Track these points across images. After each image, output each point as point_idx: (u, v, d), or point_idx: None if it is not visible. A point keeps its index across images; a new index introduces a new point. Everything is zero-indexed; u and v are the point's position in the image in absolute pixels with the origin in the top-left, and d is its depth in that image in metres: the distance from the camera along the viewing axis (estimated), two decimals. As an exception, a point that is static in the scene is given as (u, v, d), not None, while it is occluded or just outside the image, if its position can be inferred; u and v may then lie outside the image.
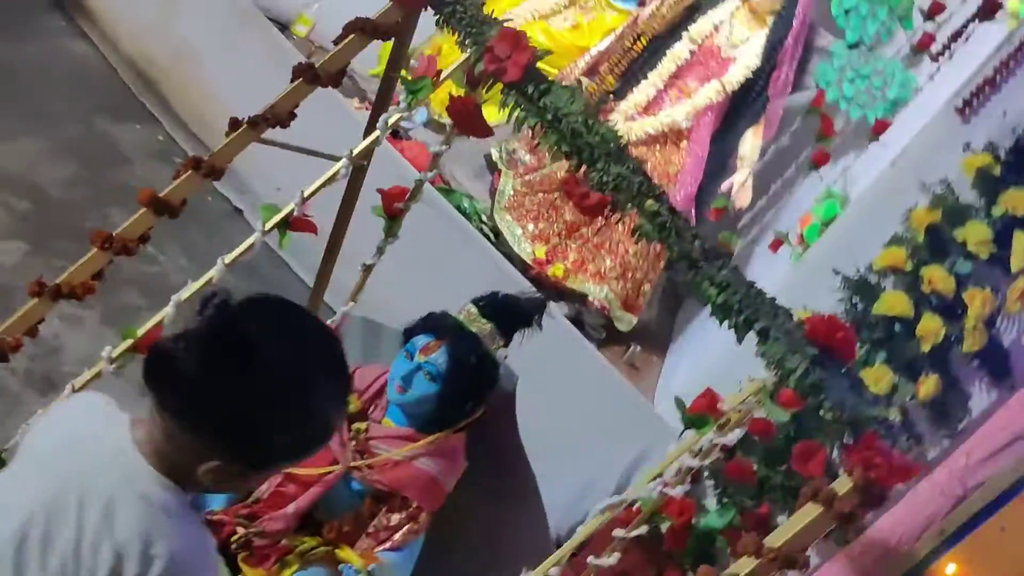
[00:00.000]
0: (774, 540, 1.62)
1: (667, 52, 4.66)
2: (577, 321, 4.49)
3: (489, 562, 2.37)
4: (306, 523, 2.25)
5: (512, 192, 4.70)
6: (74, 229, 2.93)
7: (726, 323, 1.69)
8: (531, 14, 4.91)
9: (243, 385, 1.26)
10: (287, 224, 2.03)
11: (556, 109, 1.81)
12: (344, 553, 2.19)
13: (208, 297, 1.28)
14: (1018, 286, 2.64)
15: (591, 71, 4.80)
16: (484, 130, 1.94)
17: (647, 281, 4.58)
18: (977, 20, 3.39)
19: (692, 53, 4.66)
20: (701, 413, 1.69)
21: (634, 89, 4.68)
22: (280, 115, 1.99)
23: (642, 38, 4.67)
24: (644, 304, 4.62)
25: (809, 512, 1.62)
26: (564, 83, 4.74)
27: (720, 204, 4.52)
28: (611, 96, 4.71)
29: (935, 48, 3.84)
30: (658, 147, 4.68)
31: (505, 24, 1.89)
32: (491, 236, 4.46)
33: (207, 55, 3.37)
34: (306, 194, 2.03)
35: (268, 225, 2.03)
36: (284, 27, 4.95)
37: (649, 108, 4.67)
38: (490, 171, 4.83)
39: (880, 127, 3.76)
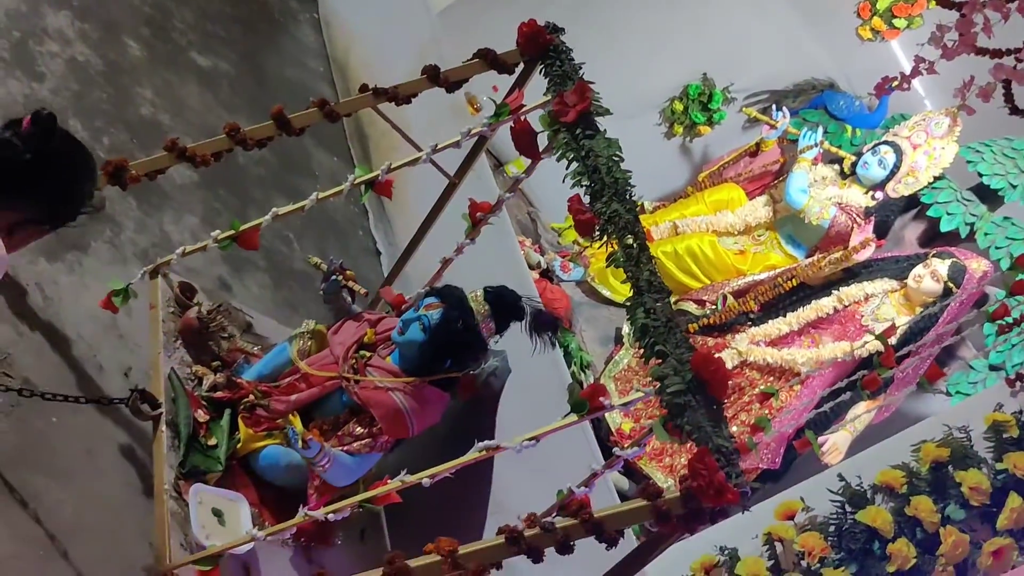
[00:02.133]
0: (599, 512, 1.83)
1: (813, 301, 4.87)
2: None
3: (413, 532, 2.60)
4: (306, 417, 2.72)
5: (626, 366, 4.97)
6: (238, 186, 3.54)
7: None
8: (706, 225, 5.31)
9: (49, 167, 1.91)
10: (371, 185, 2.52)
11: (590, 149, 2.20)
12: (293, 419, 2.56)
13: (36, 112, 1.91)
14: (995, 542, 2.67)
15: (740, 293, 5.10)
16: (535, 153, 2.35)
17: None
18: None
19: (836, 310, 4.82)
20: (584, 400, 1.94)
21: (770, 321, 4.90)
22: (400, 94, 2.51)
23: (794, 280, 4.93)
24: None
25: (635, 503, 1.82)
26: (712, 294, 5.10)
27: (812, 441, 4.61)
28: (748, 319, 4.98)
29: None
30: (771, 379, 4.81)
31: (587, 83, 2.31)
32: (582, 385, 4.73)
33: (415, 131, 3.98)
34: (393, 166, 2.52)
35: (358, 180, 2.53)
36: (500, 163, 5.61)
37: (776, 343, 4.85)
38: (615, 342, 5.14)
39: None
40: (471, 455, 2.14)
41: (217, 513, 2.47)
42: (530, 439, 2.11)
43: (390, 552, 1.91)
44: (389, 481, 2.20)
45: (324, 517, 2.19)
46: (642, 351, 2.02)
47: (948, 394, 4.76)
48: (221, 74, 4.02)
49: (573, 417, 2.00)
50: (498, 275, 4.27)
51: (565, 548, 1.87)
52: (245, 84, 4.12)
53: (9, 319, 2.50)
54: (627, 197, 2.15)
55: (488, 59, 2.50)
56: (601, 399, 1.96)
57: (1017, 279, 3.12)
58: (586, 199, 2.23)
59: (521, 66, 2.54)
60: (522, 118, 2.37)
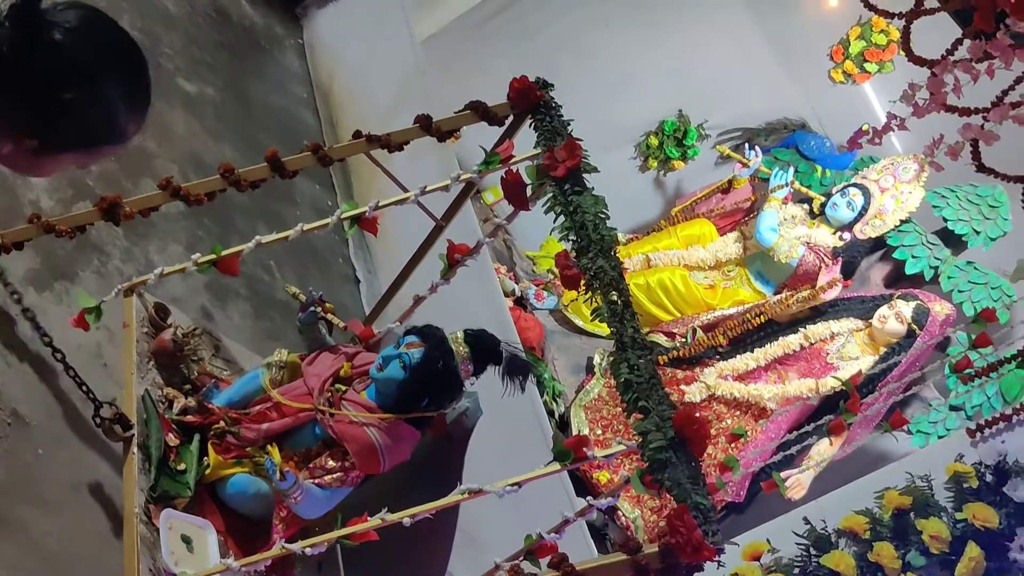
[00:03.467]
0: (580, 564, 1.90)
1: (780, 337, 4.99)
2: (600, 532, 4.69)
3: (370, 565, 2.63)
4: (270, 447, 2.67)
5: (596, 396, 5.05)
6: (221, 215, 3.58)
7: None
8: (678, 259, 5.42)
9: (40, 66, 1.47)
10: (358, 219, 2.57)
11: (578, 205, 2.28)
12: (272, 449, 2.57)
13: None
14: (953, 589, 2.77)
15: (709, 327, 5.21)
16: (524, 204, 2.42)
17: (682, 530, 4.74)
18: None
19: (802, 347, 4.94)
20: (568, 449, 2.01)
21: (738, 355, 5.02)
22: (392, 142, 2.57)
23: (763, 316, 5.05)
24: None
25: (614, 557, 1.90)
26: (682, 327, 5.18)
27: (778, 483, 4.70)
28: (717, 353, 5.09)
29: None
30: (738, 412, 4.92)
31: (576, 141, 2.39)
32: (553, 414, 4.80)
33: (397, 171, 4.02)
34: (380, 204, 2.57)
35: (345, 215, 2.58)
36: (477, 191, 5.68)
37: (744, 377, 4.96)
38: (587, 372, 5.23)
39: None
40: (453, 497, 2.19)
41: (186, 539, 2.46)
42: (513, 484, 2.16)
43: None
44: (369, 517, 2.23)
45: (301, 551, 2.21)
46: (620, 394, 2.09)
47: (909, 432, 4.88)
48: (207, 100, 4.06)
49: (556, 465, 2.06)
50: (475, 303, 4.35)
51: (547, 598, 1.94)
52: (230, 110, 4.16)
53: (-1, 350, 2.53)
54: (612, 254, 2.23)
55: (479, 111, 2.56)
56: (584, 450, 2.03)
57: (980, 332, 3.24)
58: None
59: (511, 118, 2.61)
60: (514, 169, 2.44)
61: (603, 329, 5.02)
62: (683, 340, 5.19)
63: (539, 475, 2.10)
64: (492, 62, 5.70)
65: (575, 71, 5.63)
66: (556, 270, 5.61)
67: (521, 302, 5.30)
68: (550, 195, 2.36)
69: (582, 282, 2.21)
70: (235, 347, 3.09)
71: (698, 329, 5.20)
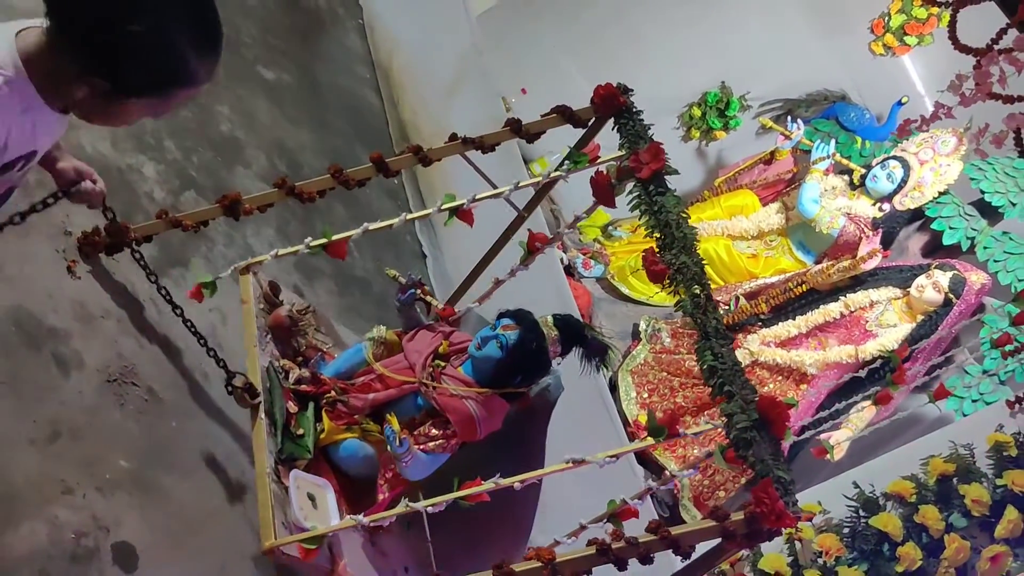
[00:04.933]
0: (674, 529, 2.17)
1: (821, 305, 5.21)
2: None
3: (459, 539, 2.90)
4: (378, 415, 2.97)
5: (643, 361, 5.30)
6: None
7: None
8: (722, 229, 5.64)
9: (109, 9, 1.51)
10: (455, 212, 2.82)
11: (661, 205, 2.51)
12: (391, 418, 2.84)
13: None
14: (993, 549, 3.03)
15: (751, 295, 5.43)
16: (611, 202, 2.66)
17: (724, 488, 4.98)
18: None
19: (842, 315, 5.15)
20: (662, 426, 2.27)
21: (780, 323, 5.24)
22: (485, 143, 2.80)
23: (804, 285, 5.27)
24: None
25: (706, 523, 2.16)
26: (725, 295, 5.39)
27: (827, 448, 4.92)
28: (759, 320, 5.33)
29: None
30: (780, 378, 5.15)
31: (658, 144, 2.62)
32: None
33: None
34: (477, 197, 2.82)
35: (444, 207, 2.83)
36: (525, 161, 5.89)
37: (785, 344, 5.19)
38: (632, 337, 5.47)
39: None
40: (559, 466, 2.43)
41: (311, 497, 2.73)
42: (612, 456, 2.41)
43: (497, 563, 2.22)
44: (482, 481, 2.46)
45: (425, 509, 2.46)
46: (704, 379, 2.33)
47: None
48: (284, 86, 4.28)
49: (650, 440, 2.32)
50: (535, 273, 4.57)
51: (646, 560, 2.21)
52: (304, 95, 4.38)
53: (133, 333, 2.79)
54: (693, 251, 2.47)
55: (564, 115, 2.79)
56: (677, 427, 2.28)
57: (1021, 310, 3.46)
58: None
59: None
60: (602, 170, 2.66)
61: (648, 296, 5.24)
62: (726, 308, 5.41)
63: (633, 448, 2.36)
64: (541, 37, 5.88)
65: (620, 43, 5.81)
66: (602, 239, 5.90)
67: (569, 270, 5.54)
68: (635, 194, 2.59)
69: (667, 277, 2.45)
70: (329, 322, 3.34)
71: (741, 297, 5.42)
